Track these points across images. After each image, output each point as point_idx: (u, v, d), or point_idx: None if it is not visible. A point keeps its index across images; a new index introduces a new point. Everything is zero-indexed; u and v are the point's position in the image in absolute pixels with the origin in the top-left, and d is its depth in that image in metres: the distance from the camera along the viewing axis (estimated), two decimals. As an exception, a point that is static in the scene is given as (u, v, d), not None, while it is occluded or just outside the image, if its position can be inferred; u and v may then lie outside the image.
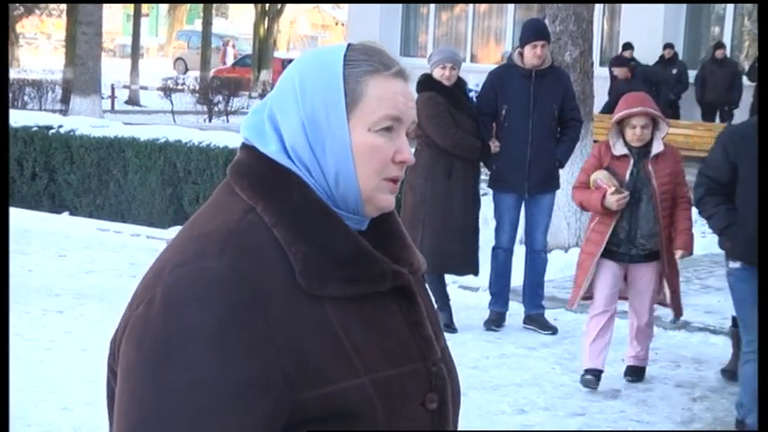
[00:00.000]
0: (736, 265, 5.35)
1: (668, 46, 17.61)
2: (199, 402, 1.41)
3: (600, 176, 6.00)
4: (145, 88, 28.01)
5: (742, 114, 16.57)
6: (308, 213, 1.52)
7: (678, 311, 6.30)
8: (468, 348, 6.96)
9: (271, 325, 1.44)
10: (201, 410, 1.40)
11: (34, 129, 12.14)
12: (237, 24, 55.20)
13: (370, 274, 1.52)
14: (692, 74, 17.48)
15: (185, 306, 1.43)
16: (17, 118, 12.52)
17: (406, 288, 1.57)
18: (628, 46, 17.76)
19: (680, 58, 17.83)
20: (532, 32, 7.36)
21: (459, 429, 1.67)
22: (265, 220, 1.51)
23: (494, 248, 7.56)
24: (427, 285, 1.73)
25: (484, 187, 7.84)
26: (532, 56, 7.27)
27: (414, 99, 1.60)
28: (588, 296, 6.19)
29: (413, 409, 1.53)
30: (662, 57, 17.58)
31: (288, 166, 1.54)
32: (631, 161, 6.02)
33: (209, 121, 23.49)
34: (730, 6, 18.09)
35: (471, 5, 20.78)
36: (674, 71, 17.50)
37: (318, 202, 1.54)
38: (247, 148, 1.59)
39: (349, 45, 1.59)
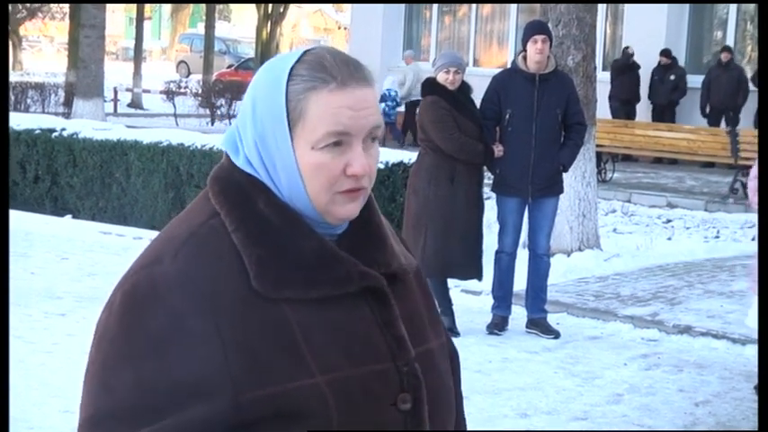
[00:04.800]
0: None
1: (664, 53, 17.51)
2: (141, 402, 1.45)
3: None
4: (147, 91, 28.06)
5: (745, 119, 16.47)
6: (272, 219, 1.54)
7: None
8: (471, 352, 6.95)
9: (219, 328, 1.46)
10: (144, 409, 1.45)
11: (37, 132, 12.13)
12: (240, 28, 55.28)
13: (334, 277, 1.54)
14: (694, 78, 17.44)
15: (136, 309, 1.49)
16: (20, 121, 12.51)
17: (376, 289, 1.58)
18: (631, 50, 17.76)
19: (683, 62, 17.80)
20: (531, 29, 7.36)
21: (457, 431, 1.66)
22: (226, 224, 1.54)
23: (497, 252, 7.55)
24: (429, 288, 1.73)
25: (487, 191, 7.83)
26: (535, 51, 7.24)
27: (371, 104, 1.55)
28: None
29: (381, 410, 1.54)
30: (659, 63, 17.52)
31: (255, 176, 1.57)
32: None
33: (212, 124, 23.52)
34: (733, 10, 18.07)
35: (474, 9, 20.78)
36: (672, 77, 17.45)
37: (285, 208, 1.55)
38: (227, 155, 1.63)
39: (301, 55, 1.55)
